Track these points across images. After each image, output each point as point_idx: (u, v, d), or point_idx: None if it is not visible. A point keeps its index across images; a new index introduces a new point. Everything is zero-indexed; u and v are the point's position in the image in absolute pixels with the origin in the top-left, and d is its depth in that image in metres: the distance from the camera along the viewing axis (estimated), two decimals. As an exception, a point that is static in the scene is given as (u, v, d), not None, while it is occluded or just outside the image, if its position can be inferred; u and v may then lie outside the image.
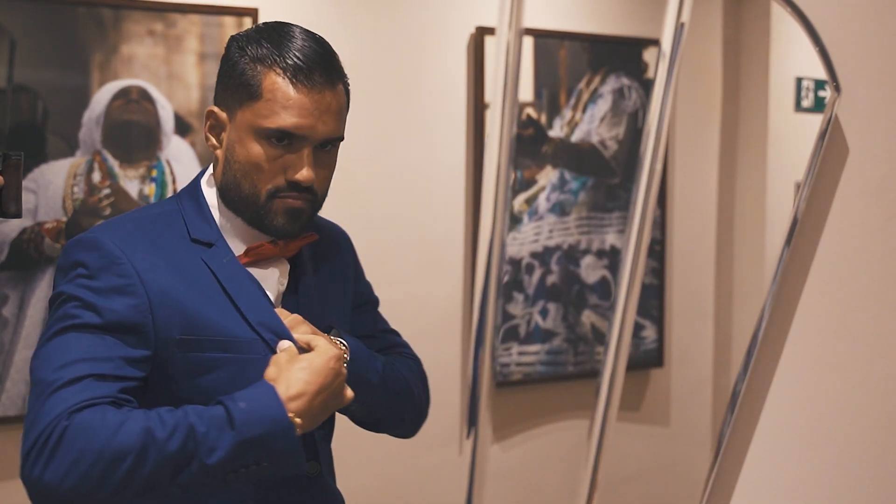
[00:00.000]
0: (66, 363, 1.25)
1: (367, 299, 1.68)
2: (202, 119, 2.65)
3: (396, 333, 1.71)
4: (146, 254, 1.34)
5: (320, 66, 1.37)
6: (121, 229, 1.38)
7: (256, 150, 1.37)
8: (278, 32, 1.39)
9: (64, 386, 1.23)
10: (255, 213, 1.40)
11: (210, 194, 1.45)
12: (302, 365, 1.31)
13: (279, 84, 1.35)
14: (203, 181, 1.47)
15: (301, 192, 1.39)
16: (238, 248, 1.43)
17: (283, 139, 1.36)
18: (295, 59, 1.36)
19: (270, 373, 1.31)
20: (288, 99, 1.35)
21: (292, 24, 1.43)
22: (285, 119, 1.35)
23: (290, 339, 1.38)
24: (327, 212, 1.56)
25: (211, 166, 1.48)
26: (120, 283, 1.31)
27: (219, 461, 1.22)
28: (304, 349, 1.37)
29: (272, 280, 1.45)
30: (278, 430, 1.25)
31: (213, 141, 1.43)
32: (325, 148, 1.41)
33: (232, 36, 1.44)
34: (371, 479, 2.97)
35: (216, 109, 1.42)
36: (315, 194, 1.41)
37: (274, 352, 1.37)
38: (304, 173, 1.37)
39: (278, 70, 1.36)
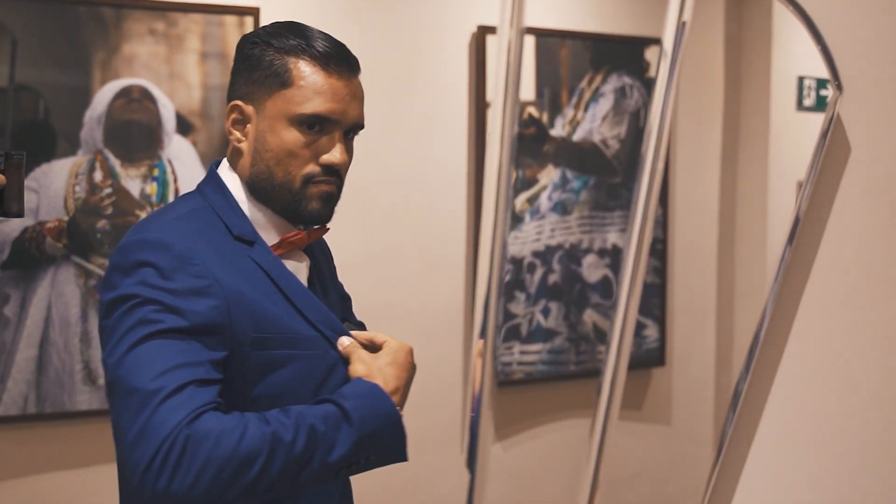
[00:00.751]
0: (164, 371, 1.22)
1: (343, 294, 1.72)
2: (203, 118, 2.66)
3: (364, 326, 1.75)
4: (211, 253, 1.34)
5: (346, 55, 1.43)
6: (178, 228, 1.36)
7: (290, 136, 1.39)
8: (298, 27, 1.44)
9: (171, 395, 1.21)
10: (291, 201, 1.41)
11: (235, 188, 1.45)
12: (388, 360, 1.39)
13: (311, 71, 1.39)
14: (224, 175, 1.46)
15: (332, 176, 1.42)
16: (269, 240, 1.44)
17: (314, 125, 1.40)
18: (325, 48, 1.40)
19: (360, 370, 1.37)
20: (321, 85, 1.39)
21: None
22: (319, 104, 1.39)
23: (348, 335, 1.43)
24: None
25: (225, 161, 1.48)
26: (198, 284, 1.29)
27: (340, 457, 1.27)
28: (365, 346, 1.44)
29: (303, 275, 1.48)
30: (390, 424, 1.32)
31: (238, 135, 1.44)
32: (349, 135, 1.45)
33: (245, 35, 1.46)
34: (371, 479, 2.97)
35: (241, 103, 1.43)
36: (342, 180, 1.45)
37: (334, 348, 1.41)
38: (339, 156, 1.41)
39: (308, 58, 1.39)
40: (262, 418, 1.25)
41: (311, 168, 1.40)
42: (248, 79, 1.42)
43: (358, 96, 1.43)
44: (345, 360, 1.42)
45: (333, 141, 1.41)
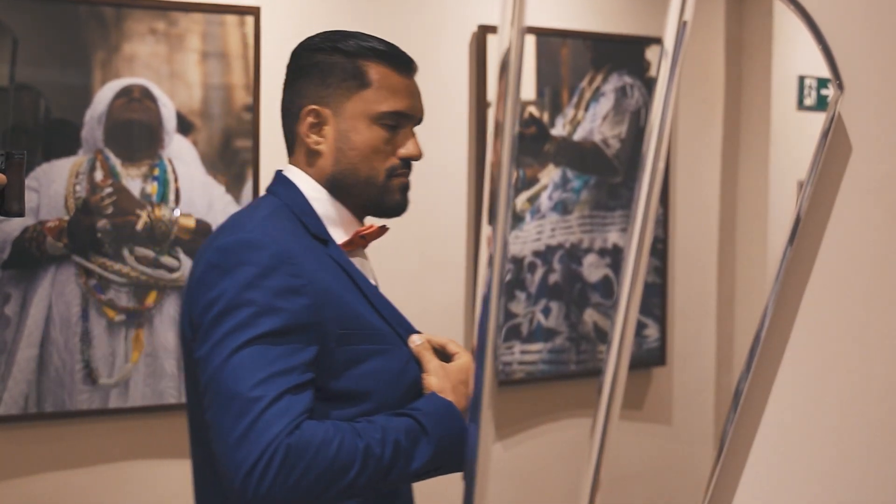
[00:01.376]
0: (263, 378, 1.29)
1: None
2: (204, 117, 2.65)
3: None
4: (302, 252, 1.39)
5: (407, 56, 1.54)
6: (271, 227, 1.41)
7: (373, 133, 1.48)
8: (352, 33, 1.51)
9: (272, 403, 1.27)
10: (375, 194, 1.50)
11: (307, 188, 1.49)
12: (462, 379, 1.46)
13: (385, 72, 1.49)
14: (293, 178, 1.50)
15: (408, 168, 1.53)
16: (338, 239, 1.49)
17: (391, 121, 1.49)
18: (390, 49, 1.51)
19: (434, 384, 1.44)
20: (396, 84, 1.50)
21: None
22: (398, 102, 1.49)
23: (417, 333, 1.51)
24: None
25: (290, 166, 1.52)
26: (295, 283, 1.35)
27: (417, 469, 1.38)
28: (436, 349, 1.49)
29: (369, 274, 1.54)
30: (460, 441, 1.40)
31: (316, 138, 1.50)
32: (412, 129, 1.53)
33: (302, 44, 1.52)
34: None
35: (317, 107, 1.48)
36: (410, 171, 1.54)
37: (405, 344, 1.47)
38: (415, 148, 1.52)
39: (378, 61, 1.49)
40: (354, 431, 1.32)
41: (392, 162, 1.50)
42: (321, 83, 1.48)
43: (419, 93, 1.55)
44: (416, 358, 1.47)
45: (408, 135, 1.52)
